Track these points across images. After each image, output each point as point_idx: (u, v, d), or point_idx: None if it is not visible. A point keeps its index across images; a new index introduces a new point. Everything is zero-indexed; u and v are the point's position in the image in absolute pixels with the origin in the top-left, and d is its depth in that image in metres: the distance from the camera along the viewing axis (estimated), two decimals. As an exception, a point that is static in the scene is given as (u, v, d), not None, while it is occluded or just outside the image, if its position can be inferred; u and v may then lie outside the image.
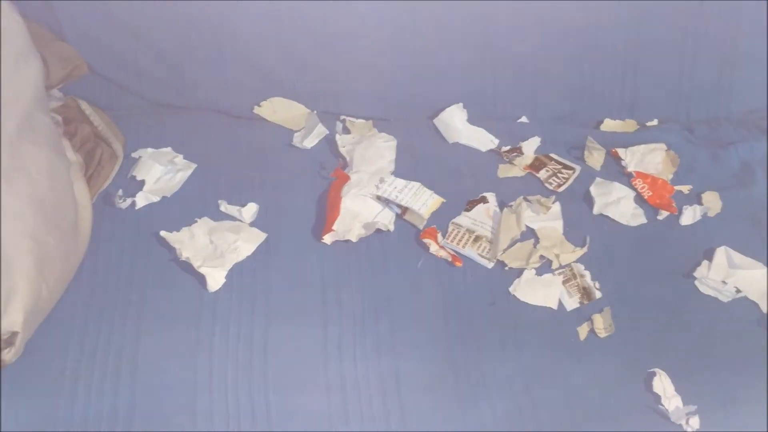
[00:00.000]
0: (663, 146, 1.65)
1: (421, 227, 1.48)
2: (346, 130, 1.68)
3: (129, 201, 1.47)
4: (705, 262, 1.44)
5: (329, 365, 1.26)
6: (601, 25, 1.70)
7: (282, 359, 1.26)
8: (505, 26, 1.68)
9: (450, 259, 1.42)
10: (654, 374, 1.26)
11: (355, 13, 1.64)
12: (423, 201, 1.50)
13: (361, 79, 1.71)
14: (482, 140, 1.68)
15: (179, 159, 1.56)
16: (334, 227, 1.42)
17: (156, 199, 1.49)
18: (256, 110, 1.69)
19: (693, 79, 1.76)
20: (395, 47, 1.69)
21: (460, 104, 1.70)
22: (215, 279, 1.33)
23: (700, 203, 1.57)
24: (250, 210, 1.47)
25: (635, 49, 1.73)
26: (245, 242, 1.41)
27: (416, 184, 1.52)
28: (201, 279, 1.34)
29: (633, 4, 1.67)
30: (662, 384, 1.25)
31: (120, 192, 1.48)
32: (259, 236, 1.43)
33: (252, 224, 1.46)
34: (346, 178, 1.51)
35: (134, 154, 1.58)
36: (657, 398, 1.24)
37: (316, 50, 1.67)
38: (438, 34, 1.68)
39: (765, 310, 1.38)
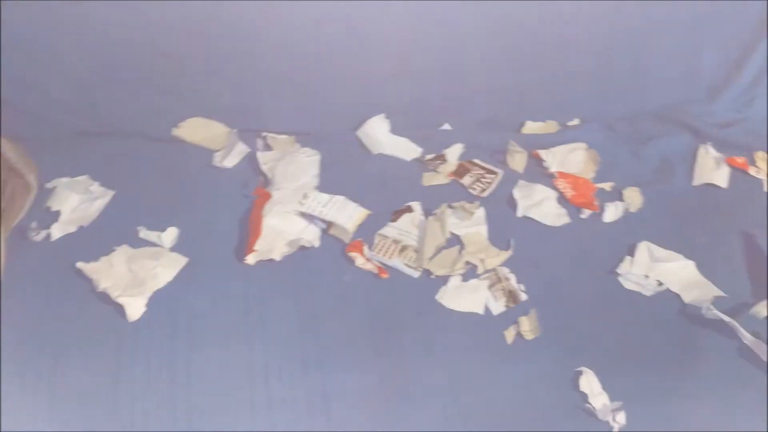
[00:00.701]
0: (583, 145, 1.68)
1: (347, 241, 1.47)
2: (268, 147, 1.66)
3: (44, 233, 1.43)
4: (628, 258, 1.46)
5: (255, 386, 1.23)
6: (518, 29, 1.72)
7: (206, 384, 1.23)
8: (424, 34, 1.68)
9: (376, 272, 1.41)
10: (581, 373, 1.26)
11: (272, 28, 1.63)
12: (348, 214, 1.49)
13: (282, 94, 1.70)
14: (406, 149, 1.68)
15: (96, 187, 1.53)
16: (257, 247, 1.40)
17: (72, 229, 1.45)
18: (175, 132, 1.67)
19: (611, 78, 1.79)
20: (315, 60, 1.68)
21: (382, 115, 1.70)
22: (134, 308, 1.30)
23: (622, 200, 1.59)
24: (171, 234, 1.44)
25: (553, 51, 1.75)
26: (166, 268, 1.38)
27: (341, 198, 1.51)
28: (121, 309, 1.30)
29: (549, 7, 1.69)
30: (589, 382, 1.26)
31: (34, 224, 1.44)
32: (180, 261, 1.40)
33: (173, 249, 1.43)
34: (268, 196, 1.49)
35: (49, 185, 1.54)
36: (584, 397, 1.24)
37: (233, 67, 1.66)
38: (358, 46, 1.68)
39: (686, 301, 1.39)
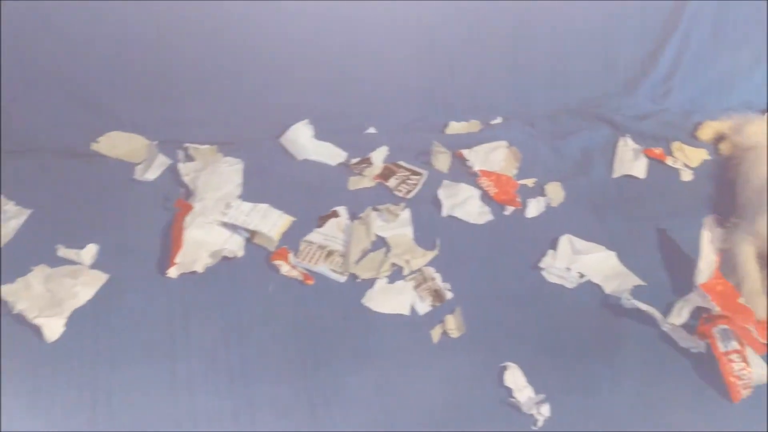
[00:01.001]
0: (504, 143, 1.70)
1: (272, 249, 1.46)
2: (190, 158, 1.64)
3: (-44, 257, 1.39)
4: (550, 252, 1.48)
5: (179, 401, 1.22)
6: (440, 31, 1.74)
7: (128, 402, 1.21)
8: (345, 39, 1.69)
9: (302, 279, 1.40)
10: (505, 368, 1.28)
11: (189, 36, 1.61)
12: (272, 222, 1.48)
13: (203, 103, 1.68)
14: (331, 155, 1.68)
15: (10, 206, 1.49)
16: (178, 260, 1.38)
17: (-14, 251, 1.41)
18: (94, 147, 1.64)
19: (531, 76, 1.82)
20: (235, 68, 1.67)
21: (306, 121, 1.70)
22: (52, 329, 1.27)
23: (544, 195, 1.61)
24: (90, 252, 1.41)
25: (474, 51, 1.77)
26: (85, 286, 1.35)
27: (264, 206, 1.50)
28: (39, 330, 1.27)
29: (468, 7, 1.71)
30: (513, 377, 1.27)
31: (-55, 249, 1.40)
32: (100, 278, 1.38)
33: (93, 266, 1.40)
34: (189, 208, 1.47)
35: (-41, 207, 1.49)
36: (509, 391, 1.26)
37: (152, 78, 1.64)
38: (279, 51, 1.67)
39: (607, 291, 1.42)
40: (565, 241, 1.50)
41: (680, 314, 1.35)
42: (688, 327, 1.33)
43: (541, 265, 1.46)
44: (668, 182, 1.68)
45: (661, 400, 1.27)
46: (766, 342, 1.29)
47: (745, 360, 1.25)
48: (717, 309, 1.32)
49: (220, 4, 1.58)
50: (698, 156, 1.73)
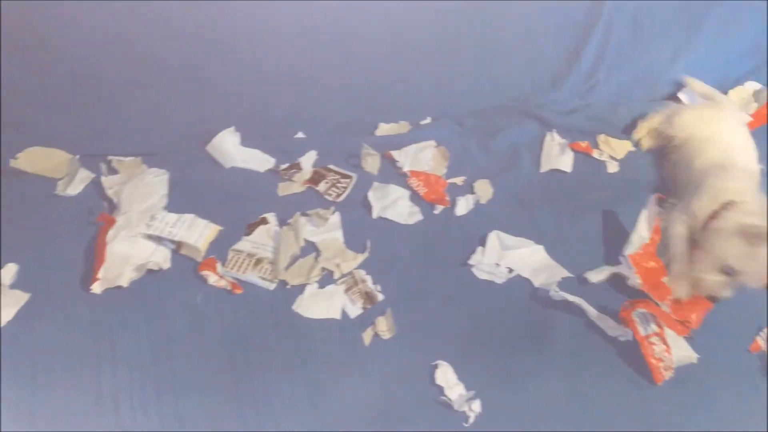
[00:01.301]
0: (432, 143, 1.71)
1: (199, 260, 1.44)
2: (114, 171, 1.61)
3: None
4: (479, 248, 1.49)
5: (105, 420, 1.19)
6: (365, 32, 1.73)
7: (52, 425, 1.18)
8: (269, 44, 1.68)
9: (230, 288, 1.39)
10: (437, 367, 1.28)
11: (109, 46, 1.58)
12: (199, 232, 1.46)
13: (125, 115, 1.65)
14: (259, 161, 1.66)
15: None
16: (101, 275, 1.35)
17: None
18: (13, 163, 1.59)
19: (459, 75, 1.83)
20: (157, 76, 1.64)
21: (232, 128, 1.67)
22: (-32, 353, 1.23)
23: (473, 192, 1.62)
24: (9, 271, 1.38)
25: (402, 52, 1.78)
26: (5, 307, 1.31)
27: (190, 216, 1.48)
28: (-45, 356, 1.23)
29: (395, 9, 1.71)
30: (444, 375, 1.28)
31: None
32: (20, 298, 1.34)
33: (12, 286, 1.36)
34: (113, 222, 1.44)
35: None
36: (441, 390, 1.26)
37: (69, 90, 1.60)
38: (203, 58, 1.65)
39: (536, 285, 1.44)
40: (494, 237, 1.51)
41: (599, 274, 1.41)
42: (616, 316, 1.36)
43: (471, 262, 1.47)
44: (595, 175, 1.70)
45: (590, 389, 1.30)
46: (682, 321, 1.32)
47: (665, 342, 1.28)
48: (638, 282, 1.35)
49: (136, 14, 1.55)
50: (623, 147, 1.76)
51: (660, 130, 1.75)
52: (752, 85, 2.02)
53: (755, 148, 1.60)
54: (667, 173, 1.66)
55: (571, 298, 1.36)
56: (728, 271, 1.32)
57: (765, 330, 1.40)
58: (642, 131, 1.77)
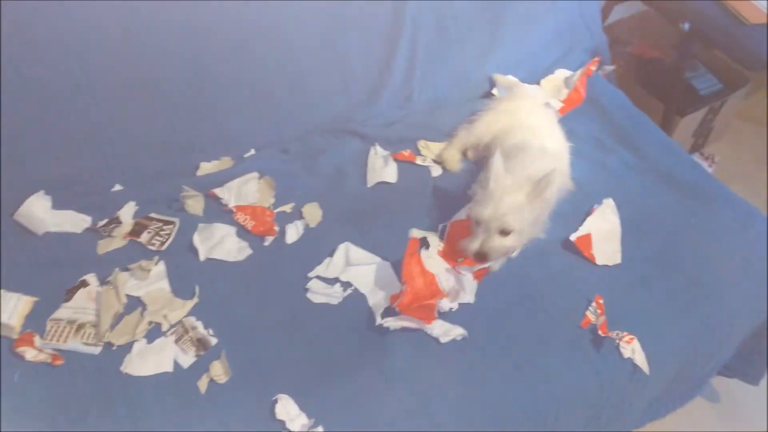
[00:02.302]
0: (255, 175, 1.68)
1: (15, 336, 1.35)
2: None
3: None
4: (327, 259, 1.50)
5: None
6: (173, 72, 1.68)
7: None
8: (69, 102, 1.60)
9: (51, 361, 1.30)
10: (276, 401, 1.26)
11: None
12: (11, 308, 1.37)
13: None
14: (74, 222, 1.58)
15: None
16: None
17: None
18: None
19: (277, 102, 1.81)
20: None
21: (41, 192, 1.59)
22: None
23: (302, 218, 1.61)
24: None
25: (217, 87, 1.73)
26: None
27: (-2, 293, 1.39)
28: None
29: (195, 43, 1.67)
30: (285, 408, 1.25)
31: None
32: None
33: None
34: None
35: None
36: (283, 424, 1.23)
37: None
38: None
39: (370, 303, 1.44)
40: (342, 249, 1.52)
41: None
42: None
43: (308, 284, 1.46)
44: (420, 180, 1.73)
45: (431, 392, 1.31)
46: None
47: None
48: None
49: None
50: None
51: (468, 145, 1.79)
52: (562, 72, 2.13)
53: (558, 128, 1.70)
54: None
55: (398, 324, 1.37)
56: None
57: (593, 305, 1.46)
58: (446, 156, 1.77)
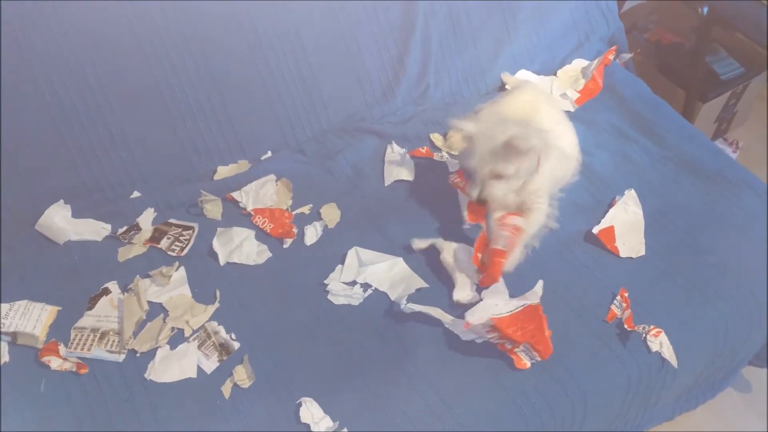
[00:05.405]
0: (272, 177, 1.67)
1: (39, 346, 1.35)
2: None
3: None
4: (338, 267, 1.49)
5: None
6: (185, 76, 1.68)
7: None
8: (94, 103, 1.60)
9: (75, 369, 1.31)
10: (300, 405, 1.25)
11: None
12: (35, 318, 1.38)
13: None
14: (94, 230, 1.58)
15: None
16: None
17: None
18: None
19: (292, 104, 1.80)
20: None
21: (61, 201, 1.59)
22: None
23: (320, 219, 1.60)
24: None
25: (229, 90, 1.73)
26: None
27: (23, 303, 1.40)
28: None
29: (207, 48, 1.67)
30: (309, 411, 1.25)
31: None
32: None
33: None
34: (-66, 326, 1.34)
35: None
36: (308, 427, 1.23)
37: None
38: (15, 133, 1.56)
39: (393, 298, 1.43)
40: (352, 254, 1.50)
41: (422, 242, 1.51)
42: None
43: (327, 281, 1.46)
44: (437, 177, 1.71)
45: (455, 393, 1.30)
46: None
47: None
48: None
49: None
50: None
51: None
52: (579, 63, 2.10)
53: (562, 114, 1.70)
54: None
55: (422, 308, 1.36)
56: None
57: (618, 298, 1.44)
58: (454, 139, 1.78)
